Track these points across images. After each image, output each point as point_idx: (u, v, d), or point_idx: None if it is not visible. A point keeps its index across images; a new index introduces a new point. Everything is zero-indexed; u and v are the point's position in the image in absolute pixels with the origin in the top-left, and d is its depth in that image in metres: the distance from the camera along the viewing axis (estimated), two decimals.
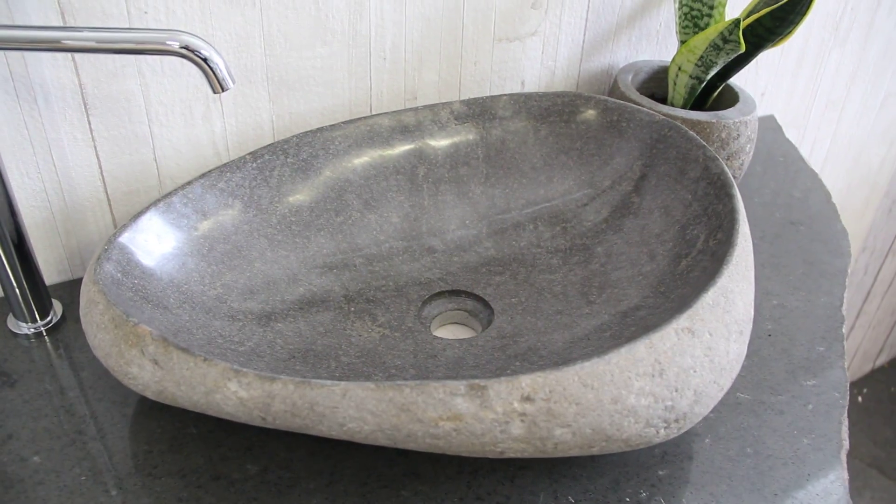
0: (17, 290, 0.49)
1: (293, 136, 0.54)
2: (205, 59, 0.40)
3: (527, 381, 0.33)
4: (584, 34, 0.67)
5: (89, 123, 0.51)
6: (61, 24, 0.47)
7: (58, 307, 0.53)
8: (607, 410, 0.35)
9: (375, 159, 0.56)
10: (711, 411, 0.47)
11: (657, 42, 0.72)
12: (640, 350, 0.35)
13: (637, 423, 0.36)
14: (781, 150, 0.79)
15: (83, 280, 0.44)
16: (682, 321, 0.37)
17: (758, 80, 0.84)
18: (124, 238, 0.45)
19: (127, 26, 0.49)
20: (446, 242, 0.56)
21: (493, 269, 0.54)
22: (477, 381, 0.33)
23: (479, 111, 0.59)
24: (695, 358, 0.37)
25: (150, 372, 0.37)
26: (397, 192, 0.57)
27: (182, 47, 0.39)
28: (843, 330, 0.55)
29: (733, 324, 0.39)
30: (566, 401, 0.34)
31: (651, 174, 0.55)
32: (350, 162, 0.56)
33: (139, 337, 0.37)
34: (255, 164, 0.52)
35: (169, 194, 0.48)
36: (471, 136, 0.59)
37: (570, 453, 0.36)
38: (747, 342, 0.41)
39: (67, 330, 0.51)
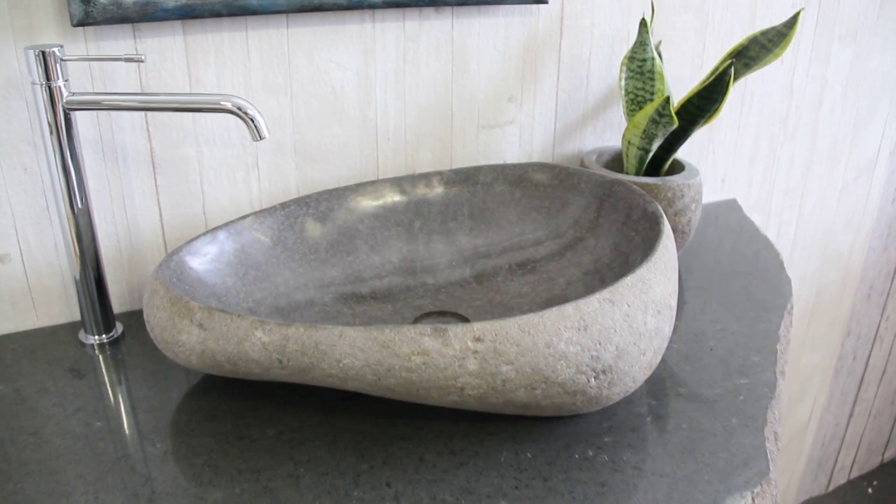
0: (91, 309, 0.62)
1: (315, 193, 0.67)
2: (249, 116, 0.54)
3: (478, 327, 0.44)
4: (555, 123, 0.82)
5: (155, 181, 0.65)
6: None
7: (119, 327, 0.65)
8: (542, 353, 0.45)
9: (380, 213, 0.70)
10: (652, 398, 0.56)
11: (619, 130, 0.87)
12: (568, 310, 0.46)
13: (569, 367, 0.45)
14: (738, 223, 0.91)
15: (148, 280, 0.56)
16: (605, 294, 0.47)
17: (716, 167, 0.97)
18: (180, 254, 0.57)
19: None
20: (436, 278, 0.68)
21: (474, 297, 0.65)
22: (440, 325, 0.44)
23: (464, 177, 0.72)
24: (615, 321, 0.47)
25: (196, 335, 0.48)
26: (397, 240, 0.69)
27: (234, 106, 0.54)
28: (778, 347, 0.64)
29: (650, 303, 0.49)
30: (509, 342, 0.44)
31: (604, 221, 0.67)
32: (359, 215, 0.69)
33: (189, 309, 0.49)
34: (283, 212, 0.65)
35: (216, 228, 0.61)
36: (458, 198, 0.72)
37: (518, 395, 0.46)
38: (667, 322, 0.51)
39: (125, 345, 0.63)
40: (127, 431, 0.52)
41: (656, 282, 0.51)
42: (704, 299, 0.71)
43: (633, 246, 0.61)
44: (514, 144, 0.81)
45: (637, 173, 0.76)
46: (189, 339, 0.49)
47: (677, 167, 0.79)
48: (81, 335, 0.63)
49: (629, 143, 0.74)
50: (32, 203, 0.61)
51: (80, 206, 0.58)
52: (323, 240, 0.67)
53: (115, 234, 0.65)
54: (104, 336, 0.63)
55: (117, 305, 0.68)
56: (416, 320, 0.63)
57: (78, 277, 0.60)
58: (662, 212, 0.60)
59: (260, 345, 0.46)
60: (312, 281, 0.64)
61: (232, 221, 0.62)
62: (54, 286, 0.64)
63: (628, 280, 0.49)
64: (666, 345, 0.52)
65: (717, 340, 0.64)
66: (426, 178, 0.72)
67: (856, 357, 1.29)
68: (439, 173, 0.72)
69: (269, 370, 0.47)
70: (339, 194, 0.68)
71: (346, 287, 0.65)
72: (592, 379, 0.47)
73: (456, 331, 0.44)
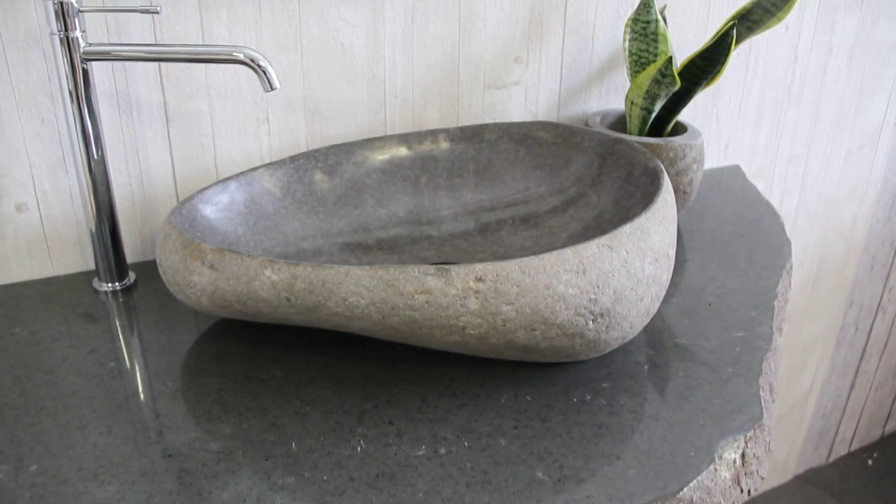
0: (104, 257, 0.63)
1: (324, 147, 0.69)
2: (261, 67, 0.56)
3: (479, 267, 0.46)
4: (560, 85, 0.83)
5: (168, 133, 0.67)
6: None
7: (132, 275, 0.67)
8: (542, 294, 0.46)
9: (387, 168, 0.71)
10: (650, 347, 0.58)
11: (623, 93, 0.87)
12: (567, 254, 0.47)
13: (567, 309, 0.47)
14: (741, 188, 0.92)
15: (161, 226, 0.58)
16: (604, 240, 0.49)
17: (720, 133, 0.98)
18: (193, 202, 0.59)
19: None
20: (441, 231, 0.69)
21: (478, 249, 0.67)
22: (443, 265, 0.45)
23: (470, 135, 0.74)
24: (613, 266, 0.48)
25: (206, 276, 0.50)
26: (403, 195, 0.71)
27: (246, 57, 0.55)
28: (776, 303, 0.65)
29: (648, 251, 0.51)
30: (509, 283, 0.46)
31: (606, 178, 0.68)
32: (367, 169, 0.70)
33: (201, 251, 0.51)
34: (292, 165, 0.67)
35: (227, 178, 0.62)
36: (464, 154, 0.73)
37: (518, 336, 0.48)
38: (665, 271, 0.52)
39: (138, 292, 0.65)
40: (138, 372, 0.54)
41: (655, 231, 0.52)
42: (705, 258, 0.73)
43: (634, 201, 0.63)
44: (519, 105, 0.82)
45: (640, 134, 0.77)
46: (200, 280, 0.51)
47: (680, 129, 0.79)
48: (95, 283, 0.65)
49: (632, 103, 0.75)
50: (49, 153, 0.63)
51: (96, 156, 0.60)
52: (331, 193, 0.68)
53: (128, 185, 0.67)
54: (117, 284, 0.65)
55: (130, 255, 0.69)
56: None
57: (93, 226, 0.62)
58: (663, 168, 0.61)
59: (269, 283, 0.48)
60: (320, 231, 0.66)
61: (243, 172, 0.64)
62: (69, 235, 0.66)
63: (627, 228, 0.50)
64: (663, 293, 0.53)
65: (715, 296, 0.66)
66: (433, 134, 0.73)
67: (858, 328, 1.31)
68: (445, 130, 0.73)
69: (277, 309, 0.49)
70: (347, 149, 0.70)
71: (352, 237, 0.67)
72: (590, 321, 0.48)
73: (458, 271, 0.45)
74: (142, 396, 0.51)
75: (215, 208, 0.60)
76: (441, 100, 0.78)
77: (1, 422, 0.49)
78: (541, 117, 0.84)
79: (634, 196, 0.63)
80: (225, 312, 0.52)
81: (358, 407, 0.51)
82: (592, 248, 0.48)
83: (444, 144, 0.73)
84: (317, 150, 0.68)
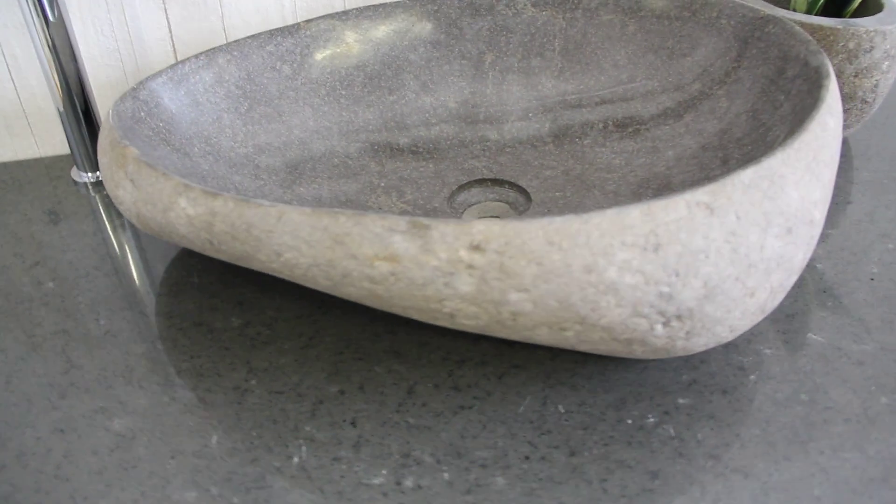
0: (80, 142, 0.52)
1: (354, 8, 0.51)
2: None
3: (479, 228, 0.28)
4: None
5: None
6: None
7: None
8: (577, 280, 0.28)
9: (440, 40, 0.52)
10: (766, 344, 0.39)
11: None
12: (633, 215, 0.29)
13: (620, 306, 0.29)
14: None
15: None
16: (700, 195, 0.29)
17: None
18: (157, 83, 0.45)
19: None
20: (502, 133, 0.51)
21: (547, 163, 0.49)
22: (421, 218, 0.29)
23: None
24: (709, 240, 0.29)
25: (130, 193, 0.37)
26: (459, 77, 0.52)
27: None
28: None
29: (777, 215, 0.31)
30: (525, 258, 0.28)
31: (746, 76, 0.46)
32: (412, 39, 0.52)
33: (125, 158, 0.37)
34: (309, 32, 0.50)
35: (214, 49, 0.47)
36: (550, 26, 0.53)
37: (539, 334, 0.31)
38: (802, 246, 0.32)
39: None
40: (76, 300, 0.43)
41: (795, 180, 0.32)
42: (877, 200, 0.50)
43: (780, 116, 0.41)
44: None
45: (809, 12, 0.53)
46: (126, 197, 0.37)
47: (873, 7, 0.53)
48: (73, 172, 0.54)
49: None
50: (11, 8, 0.50)
51: (52, 17, 0.46)
52: (360, 70, 0.51)
53: (115, 50, 0.53)
54: (98, 173, 0.53)
55: None
56: (461, 188, 0.47)
57: (60, 104, 0.50)
58: (830, 68, 0.39)
59: (185, 218, 0.33)
60: (338, 124, 0.50)
61: (237, 41, 0.48)
62: (50, 111, 0.55)
63: (745, 176, 0.30)
64: (795, 279, 0.34)
65: (882, 266, 0.44)
66: None
67: None
68: None
69: (206, 251, 0.35)
70: (387, 11, 0.52)
71: (380, 135, 0.50)
72: (659, 326, 0.30)
73: (444, 230, 0.28)
74: (67, 335, 0.40)
75: (192, 89, 0.46)
76: None
77: None
78: None
79: (781, 108, 0.41)
80: (166, 240, 0.39)
81: (318, 390, 0.37)
82: (679, 209, 0.29)
83: (525, 10, 0.53)
84: (347, 11, 0.51)
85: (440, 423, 0.35)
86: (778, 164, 0.31)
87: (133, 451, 0.34)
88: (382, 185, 0.47)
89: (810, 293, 0.42)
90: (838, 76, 0.49)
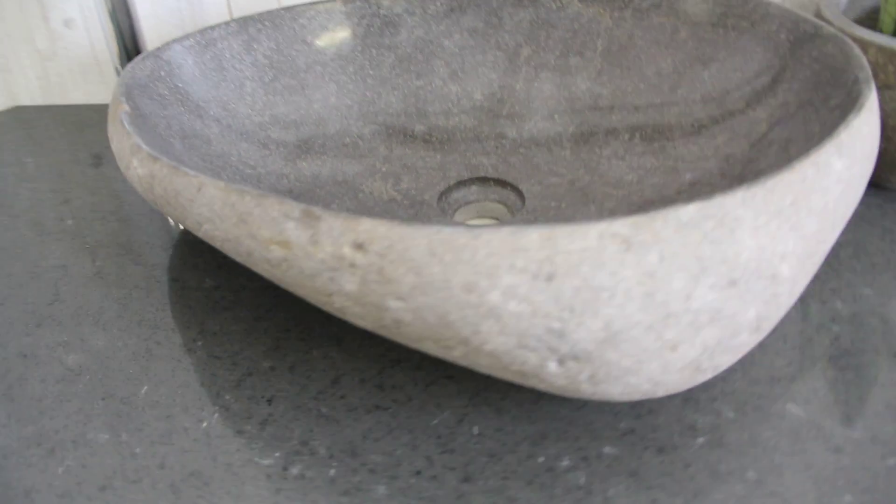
0: None
1: None
2: None
3: (365, 226, 0.27)
4: None
5: None
6: None
7: None
8: (456, 298, 0.26)
9: (477, 28, 0.50)
10: (731, 404, 0.34)
11: None
12: (531, 237, 0.26)
13: (504, 334, 0.27)
14: None
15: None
16: (619, 226, 0.26)
17: None
18: (184, 44, 0.47)
19: None
20: (521, 132, 0.48)
21: (557, 168, 0.46)
22: (315, 208, 0.28)
23: None
24: (617, 279, 0.26)
25: (116, 147, 0.38)
26: (491, 69, 0.50)
27: None
28: None
29: (718, 263, 0.27)
30: (403, 265, 0.27)
31: (793, 101, 0.40)
32: (447, 27, 0.51)
33: (115, 114, 0.39)
34: (344, 10, 0.50)
35: (245, 18, 0.48)
36: (594, 24, 0.49)
37: (427, 347, 0.29)
38: (763, 306, 0.28)
39: None
40: (84, 239, 0.46)
41: (755, 226, 0.27)
42: None
43: (809, 143, 0.36)
44: None
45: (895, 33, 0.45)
46: (119, 148, 0.39)
47: None
48: None
49: None
50: None
51: None
52: (390, 52, 0.51)
53: (178, 10, 0.56)
54: None
55: None
56: (458, 184, 0.46)
57: (116, 61, 0.53)
58: (870, 102, 0.33)
59: (136, 177, 0.35)
60: (359, 103, 0.50)
61: (268, 12, 0.49)
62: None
63: (688, 211, 0.26)
64: (749, 338, 0.29)
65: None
66: None
67: None
68: None
69: (155, 206, 0.36)
70: None
71: (397, 119, 0.49)
72: (552, 363, 0.27)
73: (332, 223, 0.27)
74: (61, 270, 0.43)
75: (219, 54, 0.47)
76: None
77: None
78: None
79: (813, 137, 0.36)
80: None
81: (252, 362, 0.37)
82: (587, 237, 0.26)
83: (571, 4, 0.49)
84: None
85: (349, 418, 0.34)
86: (735, 203, 0.27)
87: (73, 386, 0.36)
88: (384, 170, 0.47)
89: (813, 358, 0.37)
90: None
